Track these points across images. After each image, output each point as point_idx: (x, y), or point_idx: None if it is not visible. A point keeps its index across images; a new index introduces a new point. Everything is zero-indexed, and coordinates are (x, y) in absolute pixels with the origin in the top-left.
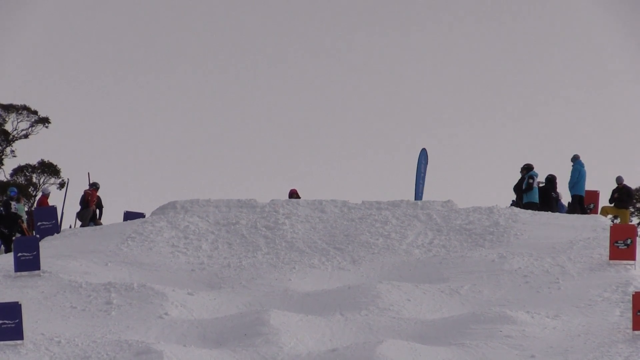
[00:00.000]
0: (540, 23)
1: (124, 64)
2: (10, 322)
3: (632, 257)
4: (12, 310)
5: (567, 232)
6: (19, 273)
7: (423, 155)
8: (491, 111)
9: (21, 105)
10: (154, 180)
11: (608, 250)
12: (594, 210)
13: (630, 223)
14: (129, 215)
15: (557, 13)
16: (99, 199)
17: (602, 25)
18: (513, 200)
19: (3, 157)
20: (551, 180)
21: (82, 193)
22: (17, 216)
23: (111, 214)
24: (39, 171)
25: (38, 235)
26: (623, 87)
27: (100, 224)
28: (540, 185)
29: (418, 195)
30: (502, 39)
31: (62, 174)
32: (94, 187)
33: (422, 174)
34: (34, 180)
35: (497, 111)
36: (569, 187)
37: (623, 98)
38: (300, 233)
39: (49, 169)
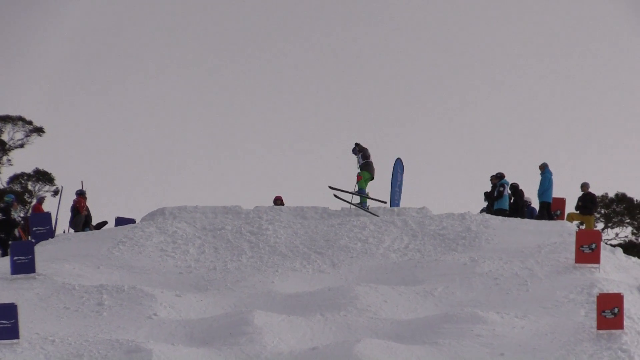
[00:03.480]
0: (514, 33)
1: (114, 75)
2: (6, 322)
3: (597, 260)
4: (9, 311)
5: (535, 237)
6: (15, 276)
7: (398, 164)
8: (464, 121)
9: (17, 116)
10: (144, 187)
11: (574, 254)
12: (560, 217)
13: (594, 228)
14: (120, 221)
15: (532, 22)
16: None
17: (574, 32)
18: (483, 208)
19: (0, 165)
20: (516, 187)
21: (72, 202)
22: (16, 223)
23: (103, 220)
24: (34, 179)
25: (33, 240)
26: (590, 95)
27: (98, 225)
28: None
29: (394, 202)
30: (476, 49)
31: (56, 182)
32: (81, 194)
33: (399, 182)
34: (30, 187)
35: (469, 121)
36: (538, 194)
37: (589, 107)
38: (282, 238)
39: (43, 177)
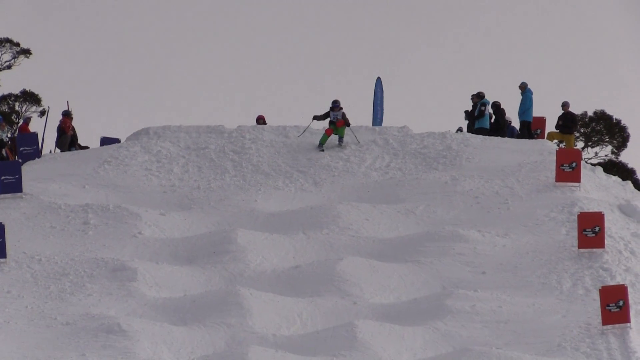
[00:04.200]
0: None
1: None
2: None
3: (577, 179)
4: None
5: (516, 156)
6: (2, 195)
7: (378, 84)
8: (445, 39)
9: (4, 38)
10: (129, 107)
11: (554, 173)
12: (541, 136)
13: (575, 147)
14: (105, 141)
15: None
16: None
17: None
18: (459, 127)
19: None
20: (498, 106)
21: (58, 123)
22: (3, 143)
23: (88, 140)
24: (21, 100)
25: (20, 160)
26: (570, 13)
27: (84, 147)
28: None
29: (376, 121)
30: None
31: (42, 103)
32: (67, 115)
33: (380, 101)
34: (17, 108)
35: (451, 39)
36: (519, 113)
37: (570, 26)
38: (265, 157)
39: (30, 97)
